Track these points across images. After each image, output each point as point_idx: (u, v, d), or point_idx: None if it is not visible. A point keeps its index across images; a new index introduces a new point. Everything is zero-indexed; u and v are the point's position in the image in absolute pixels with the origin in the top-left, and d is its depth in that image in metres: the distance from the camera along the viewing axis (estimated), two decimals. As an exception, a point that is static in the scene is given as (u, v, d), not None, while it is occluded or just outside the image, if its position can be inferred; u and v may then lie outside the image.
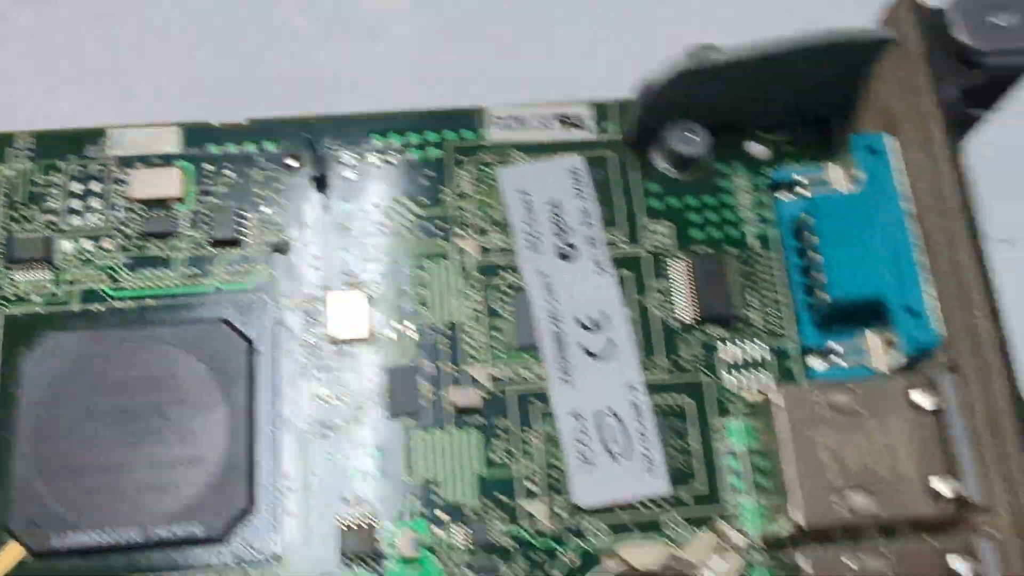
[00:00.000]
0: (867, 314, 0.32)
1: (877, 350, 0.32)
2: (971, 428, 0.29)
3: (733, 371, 0.33)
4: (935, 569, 0.28)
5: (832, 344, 0.32)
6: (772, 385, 0.31)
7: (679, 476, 0.32)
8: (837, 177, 0.34)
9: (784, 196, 0.34)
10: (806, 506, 0.28)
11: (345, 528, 0.30)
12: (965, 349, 0.29)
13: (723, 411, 0.32)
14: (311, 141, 0.33)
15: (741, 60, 0.31)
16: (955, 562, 0.28)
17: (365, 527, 0.30)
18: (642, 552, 0.29)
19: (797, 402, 0.29)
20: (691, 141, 0.34)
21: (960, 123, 0.35)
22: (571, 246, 0.34)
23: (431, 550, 0.30)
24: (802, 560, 0.28)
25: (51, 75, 0.40)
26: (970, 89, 0.34)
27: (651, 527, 0.31)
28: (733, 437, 0.32)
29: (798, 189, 0.34)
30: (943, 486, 0.29)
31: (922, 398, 0.29)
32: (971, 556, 0.28)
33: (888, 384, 0.30)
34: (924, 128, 0.30)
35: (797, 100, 0.34)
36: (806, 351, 0.33)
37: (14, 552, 0.30)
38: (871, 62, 0.33)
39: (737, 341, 0.33)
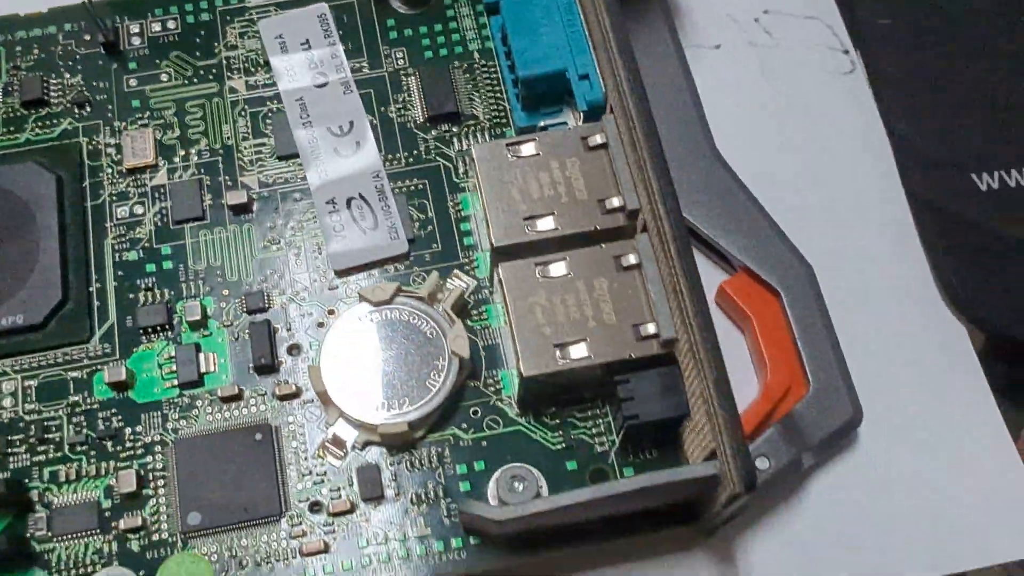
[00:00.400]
0: (561, 92, 0.38)
1: (574, 121, 0.39)
2: (623, 153, 0.35)
3: (463, 156, 0.39)
4: (608, 265, 0.34)
5: (542, 123, 0.39)
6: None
7: (422, 241, 0.38)
8: (533, -9, 0.41)
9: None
10: (497, 230, 0.35)
11: (141, 304, 0.37)
12: (615, 98, 0.35)
13: (456, 189, 0.39)
14: (94, 15, 0.40)
15: None
16: (624, 258, 0.34)
17: (159, 304, 0.37)
18: (378, 290, 0.36)
19: (492, 154, 0.36)
20: (414, -22, 0.41)
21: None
22: (322, 74, 0.40)
23: (216, 318, 0.37)
24: (500, 272, 0.34)
25: None
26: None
27: (399, 280, 0.37)
28: (465, 206, 0.39)
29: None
30: (613, 201, 0.35)
31: (593, 137, 0.36)
32: (635, 252, 0.34)
33: (565, 131, 0.36)
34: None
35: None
36: (521, 133, 0.39)
37: None
38: None
39: (467, 134, 0.40)
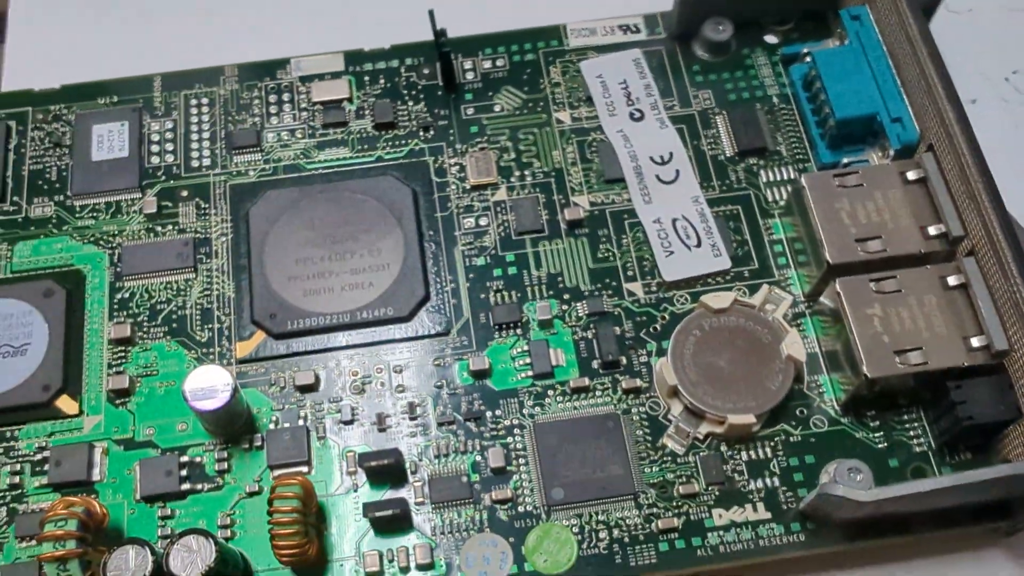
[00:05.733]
0: (865, 133, 0.43)
1: (875, 159, 0.43)
2: (945, 184, 0.39)
3: (771, 187, 0.44)
4: (935, 284, 0.38)
5: (845, 160, 0.43)
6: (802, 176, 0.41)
7: (739, 259, 0.42)
8: (831, 44, 0.45)
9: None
10: (832, 249, 0.39)
11: (494, 304, 0.41)
12: (940, 137, 0.40)
13: (766, 215, 0.43)
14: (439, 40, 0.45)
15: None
16: (950, 278, 0.38)
17: (511, 303, 0.41)
18: (717, 298, 0.40)
19: (820, 183, 0.40)
20: (721, 30, 0.46)
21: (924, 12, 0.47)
22: (639, 111, 0.45)
23: (560, 318, 0.41)
24: (839, 286, 0.38)
25: (246, 17, 0.52)
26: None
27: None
28: (775, 231, 0.43)
29: (805, 59, 0.46)
30: (933, 229, 0.39)
31: (911, 172, 0.40)
32: (960, 273, 0.38)
33: (884, 166, 0.41)
34: (890, -8, 0.42)
35: (797, -5, 0.46)
36: (822, 168, 0.44)
37: (257, 336, 0.40)
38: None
39: (772, 168, 0.44)
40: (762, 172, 0.44)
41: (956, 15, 0.52)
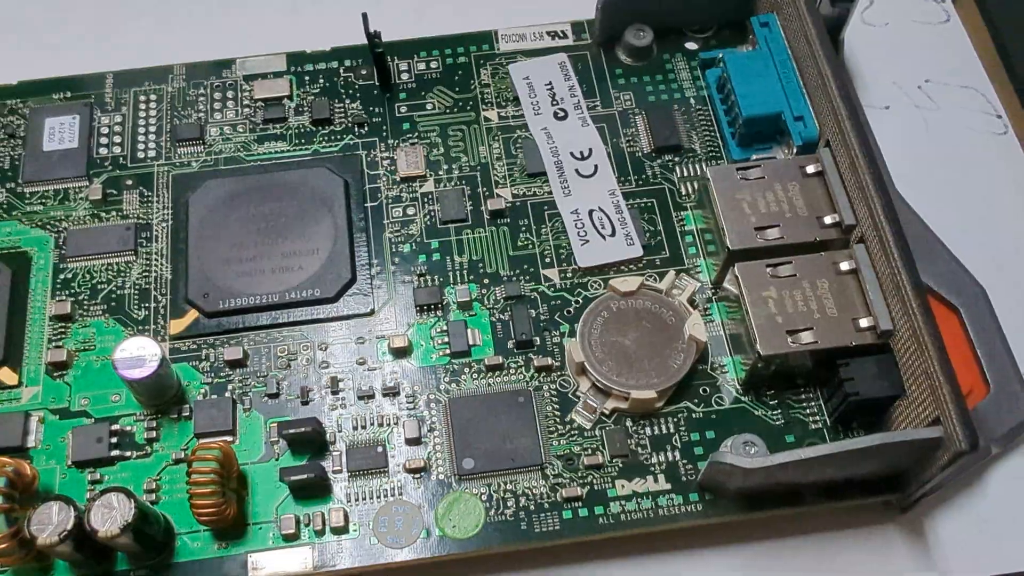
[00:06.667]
0: (772, 131, 0.45)
1: (782, 155, 0.45)
2: (840, 177, 0.41)
3: (685, 182, 0.46)
4: (828, 269, 0.41)
5: (754, 156, 0.46)
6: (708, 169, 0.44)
7: (652, 248, 0.44)
8: (745, 50, 0.48)
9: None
10: (732, 236, 0.41)
11: (417, 287, 0.43)
12: (835, 134, 0.42)
13: (679, 207, 0.45)
14: (374, 43, 0.47)
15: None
16: (842, 264, 0.40)
17: (433, 286, 0.43)
18: (624, 282, 0.42)
19: (724, 175, 0.43)
20: (641, 36, 0.48)
21: (835, 23, 0.49)
22: (563, 111, 0.48)
23: (479, 301, 0.43)
24: (736, 270, 0.41)
25: (198, 20, 0.55)
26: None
27: (633, 281, 0.44)
28: (687, 222, 0.45)
29: (720, 63, 0.48)
30: (828, 219, 0.41)
31: (810, 166, 0.42)
32: (851, 259, 0.40)
33: (785, 160, 0.43)
34: (796, 4, 0.45)
35: (714, 5, 0.49)
36: (733, 163, 0.46)
37: (190, 315, 0.42)
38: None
39: (686, 164, 0.46)
40: (677, 168, 0.47)
41: (873, 27, 0.55)
